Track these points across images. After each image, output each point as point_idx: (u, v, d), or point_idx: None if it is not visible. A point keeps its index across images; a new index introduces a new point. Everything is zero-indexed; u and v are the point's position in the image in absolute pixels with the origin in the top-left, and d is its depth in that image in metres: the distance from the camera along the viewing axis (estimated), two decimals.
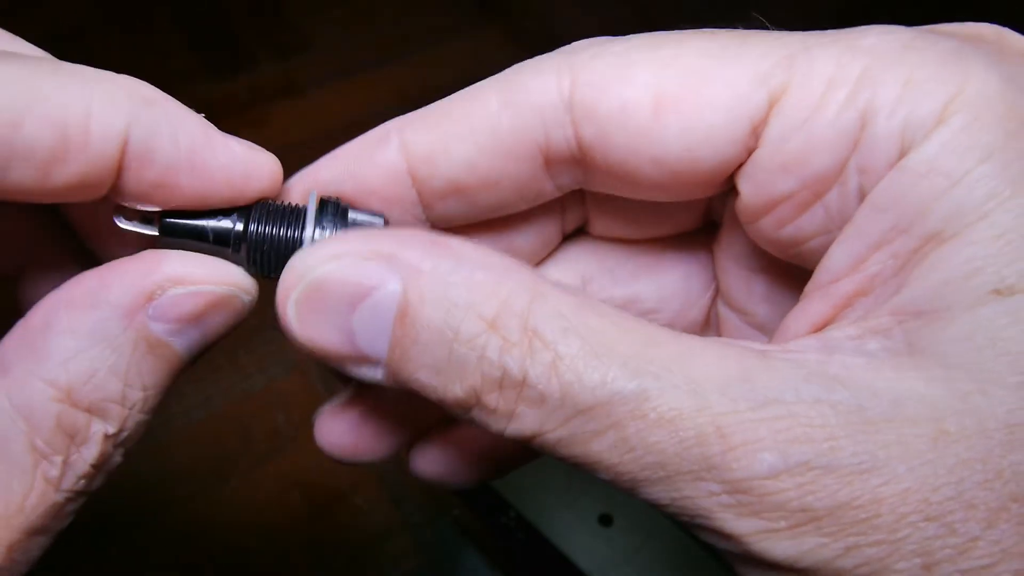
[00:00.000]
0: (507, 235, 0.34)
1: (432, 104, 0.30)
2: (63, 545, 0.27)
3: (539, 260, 0.36)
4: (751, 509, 0.22)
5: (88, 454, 0.26)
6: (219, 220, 0.29)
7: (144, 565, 0.71)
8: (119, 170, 0.27)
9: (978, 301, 0.22)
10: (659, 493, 0.24)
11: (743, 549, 0.23)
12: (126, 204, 0.28)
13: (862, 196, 0.25)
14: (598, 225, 0.35)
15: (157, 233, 0.29)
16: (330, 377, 0.83)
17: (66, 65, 0.27)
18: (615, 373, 0.23)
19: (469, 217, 0.31)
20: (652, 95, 0.26)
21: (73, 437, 0.26)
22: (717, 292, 0.36)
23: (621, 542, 0.69)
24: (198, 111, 0.29)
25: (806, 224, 0.27)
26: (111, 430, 0.26)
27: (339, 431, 0.34)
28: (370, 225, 0.30)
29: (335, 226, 0.29)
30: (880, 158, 0.24)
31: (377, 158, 0.30)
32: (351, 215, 0.30)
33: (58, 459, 0.26)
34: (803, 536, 0.22)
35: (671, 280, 0.36)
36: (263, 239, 0.29)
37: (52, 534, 0.26)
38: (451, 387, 0.24)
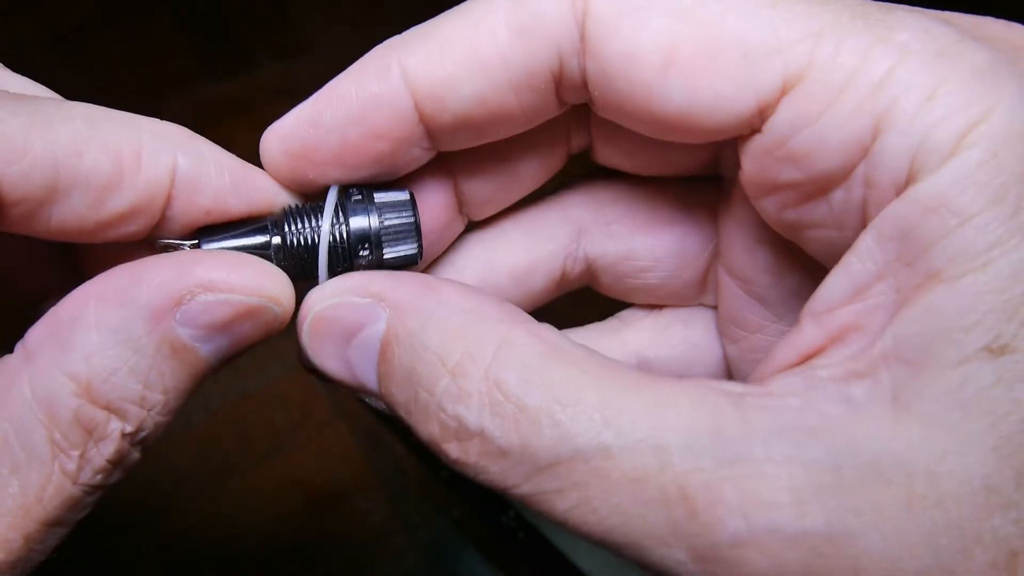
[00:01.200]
0: (511, 160, 0.33)
1: (428, 23, 0.28)
2: (62, 546, 0.27)
3: (543, 182, 0.35)
4: None
5: (105, 450, 0.26)
6: (250, 237, 0.30)
7: (144, 565, 0.71)
8: (168, 199, 0.28)
9: (969, 357, 0.21)
10: (630, 555, 0.22)
11: None
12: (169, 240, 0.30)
13: (865, 207, 0.24)
14: (601, 152, 0.34)
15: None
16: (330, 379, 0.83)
17: (116, 111, 0.28)
18: (576, 428, 0.22)
19: (475, 144, 0.30)
20: (663, 47, 0.24)
21: (91, 432, 0.26)
22: (715, 254, 0.35)
23: None
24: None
25: (809, 213, 0.26)
26: (128, 429, 0.26)
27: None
28: (396, 203, 0.29)
29: (368, 212, 0.29)
30: (888, 175, 0.23)
31: (382, 98, 0.28)
32: (377, 198, 0.29)
33: (75, 453, 0.26)
34: None
35: (667, 238, 0.35)
36: (291, 250, 0.29)
37: (69, 525, 0.26)
38: (421, 430, 0.25)
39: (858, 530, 0.20)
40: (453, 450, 0.24)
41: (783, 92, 0.24)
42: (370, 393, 0.27)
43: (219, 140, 0.33)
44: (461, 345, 0.24)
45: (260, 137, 0.30)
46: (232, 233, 0.29)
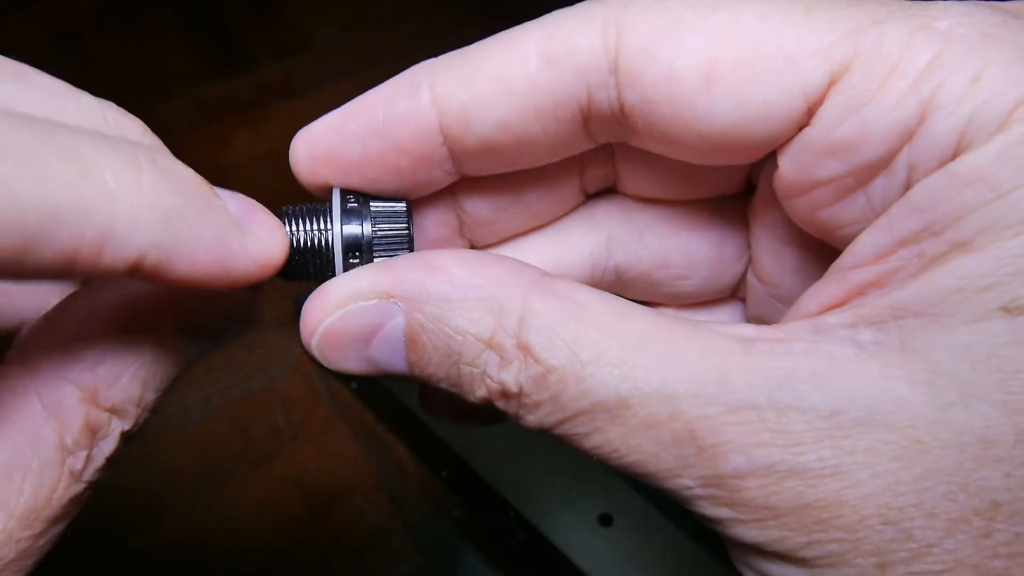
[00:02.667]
0: (515, 191, 0.33)
1: (463, 50, 0.28)
2: (62, 546, 0.28)
3: (554, 219, 0.35)
4: (723, 501, 0.24)
5: (107, 448, 0.27)
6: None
7: (143, 566, 0.71)
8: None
9: (984, 315, 0.22)
10: (648, 482, 0.26)
11: (722, 531, 0.25)
12: None
13: (907, 189, 0.24)
14: (630, 184, 0.34)
15: None
16: (330, 377, 0.83)
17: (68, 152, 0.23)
18: (595, 383, 0.25)
19: (498, 171, 0.30)
20: (704, 64, 0.25)
21: (95, 433, 0.27)
22: (751, 261, 0.34)
23: (621, 542, 0.69)
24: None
25: (843, 210, 0.26)
26: (127, 427, 0.28)
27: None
28: (391, 213, 0.30)
29: (362, 219, 0.29)
30: (933, 156, 0.23)
31: (408, 115, 0.28)
32: (372, 207, 0.30)
33: (83, 454, 0.27)
34: (769, 528, 0.24)
35: (703, 245, 0.34)
36: (295, 256, 0.30)
37: (71, 519, 0.28)
38: (468, 396, 0.27)
39: (848, 467, 0.22)
40: (500, 405, 0.27)
41: (830, 85, 0.24)
42: (399, 377, 0.28)
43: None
44: (490, 319, 0.26)
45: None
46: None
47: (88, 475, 0.27)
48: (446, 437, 0.75)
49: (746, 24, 0.25)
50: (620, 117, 0.27)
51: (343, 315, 0.28)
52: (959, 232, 0.22)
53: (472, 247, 0.34)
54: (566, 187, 0.33)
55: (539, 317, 0.26)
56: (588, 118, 0.28)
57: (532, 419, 0.26)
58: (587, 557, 0.68)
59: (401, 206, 0.30)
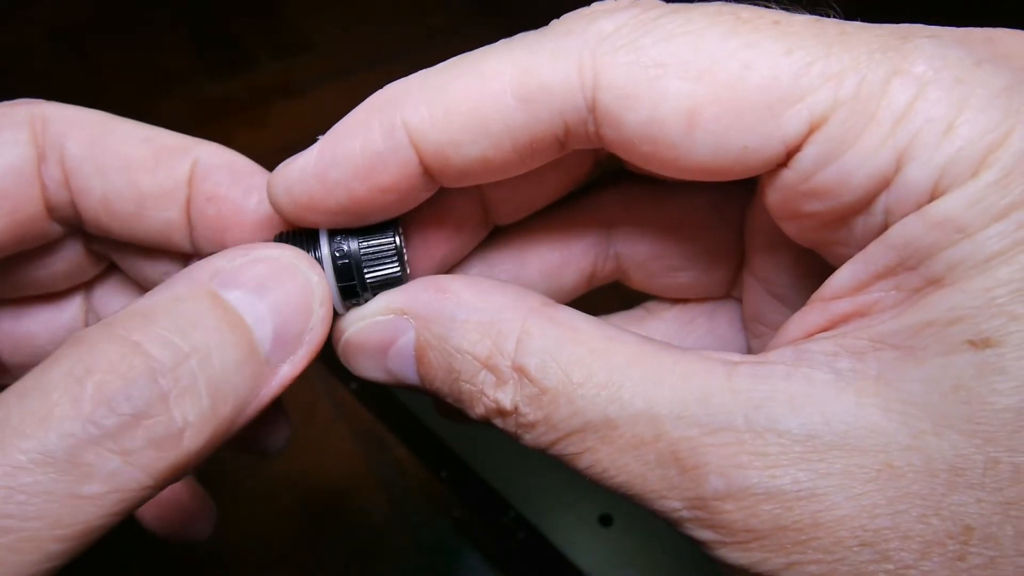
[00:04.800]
0: (543, 175, 0.32)
1: (433, 75, 0.28)
2: None
3: (570, 189, 0.35)
4: (706, 523, 0.25)
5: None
6: None
7: (143, 566, 0.71)
8: (190, 185, 0.32)
9: (952, 348, 0.23)
10: (639, 504, 0.26)
11: (709, 553, 0.26)
12: None
13: (885, 227, 0.25)
14: (631, 164, 0.33)
15: None
16: (330, 377, 0.83)
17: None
18: (586, 405, 0.26)
19: (484, 182, 0.30)
20: (686, 111, 0.25)
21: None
22: (746, 258, 0.35)
23: (621, 542, 0.69)
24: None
25: (829, 235, 0.27)
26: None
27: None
28: (377, 228, 0.30)
29: (347, 238, 0.30)
30: (909, 202, 0.24)
31: (388, 157, 0.28)
32: (361, 246, 0.31)
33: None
34: (750, 550, 0.24)
35: (699, 240, 0.35)
36: None
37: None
38: (470, 412, 0.29)
39: (823, 490, 0.23)
40: (499, 423, 0.28)
41: (809, 132, 0.25)
42: (415, 389, 0.30)
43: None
44: (488, 341, 0.28)
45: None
46: None
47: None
48: (446, 437, 0.75)
49: (729, 69, 0.25)
50: (599, 144, 0.28)
51: (363, 327, 0.30)
52: (931, 269, 0.23)
53: (496, 225, 0.35)
54: (582, 161, 0.34)
55: (534, 340, 0.27)
56: (567, 143, 0.28)
57: (529, 438, 0.28)
58: (587, 557, 0.68)
59: (390, 236, 0.31)
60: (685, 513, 0.25)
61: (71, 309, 0.38)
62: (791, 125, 0.25)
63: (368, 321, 0.30)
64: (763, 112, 0.25)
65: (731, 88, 0.25)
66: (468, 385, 0.28)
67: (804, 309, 0.27)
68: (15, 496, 0.23)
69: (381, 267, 0.30)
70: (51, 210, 0.33)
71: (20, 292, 0.36)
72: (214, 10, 1.20)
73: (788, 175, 0.26)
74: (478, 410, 0.28)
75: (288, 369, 0.29)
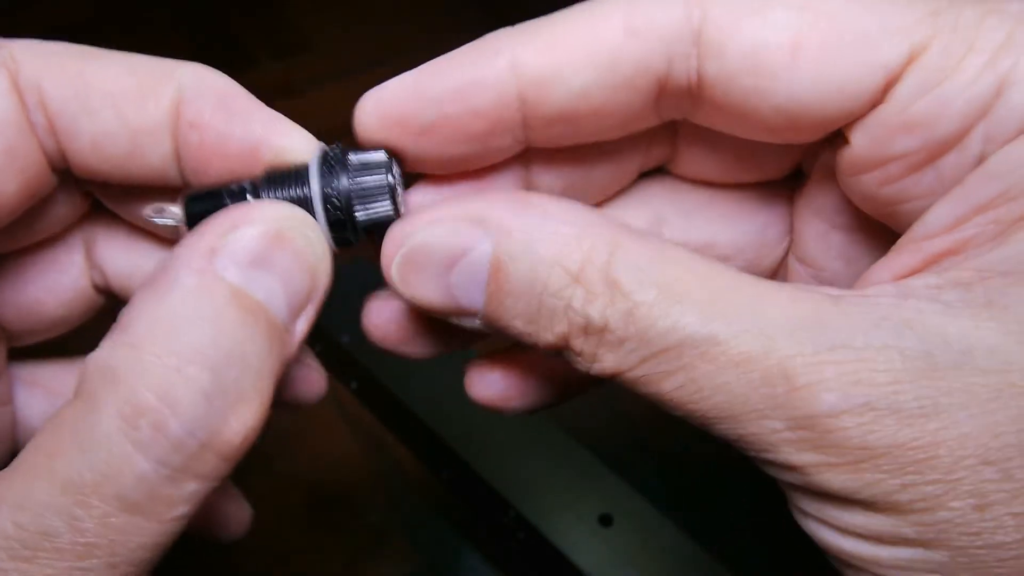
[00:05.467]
0: (585, 166, 0.33)
1: (542, 19, 0.28)
2: None
3: (611, 196, 0.35)
4: (812, 444, 0.23)
5: None
6: (235, 189, 0.30)
7: None
8: (178, 115, 0.30)
9: None
10: (727, 430, 0.25)
11: (804, 480, 0.24)
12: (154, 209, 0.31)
13: (979, 163, 0.25)
14: (683, 164, 0.34)
15: (184, 222, 0.30)
16: (330, 378, 0.83)
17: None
18: (687, 320, 0.24)
19: (564, 144, 0.31)
20: (790, 38, 0.25)
21: None
22: (791, 245, 0.35)
23: (621, 542, 0.69)
24: None
25: (912, 185, 0.27)
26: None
27: (487, 384, 0.35)
28: (370, 164, 0.30)
29: (338, 175, 0.29)
30: (1009, 128, 0.24)
31: (488, 78, 0.28)
32: (351, 157, 0.30)
33: None
34: (862, 472, 0.23)
35: (748, 228, 0.35)
36: None
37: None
38: (543, 334, 0.27)
39: (945, 407, 0.22)
40: (579, 344, 0.26)
41: (909, 61, 0.25)
42: (467, 314, 0.28)
43: None
44: (578, 253, 0.26)
45: None
46: (217, 199, 0.30)
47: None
48: (446, 437, 0.75)
49: (831, 3, 0.26)
50: (696, 90, 0.28)
51: (433, 232, 0.28)
52: None
53: None
54: (630, 163, 0.34)
55: (629, 255, 0.26)
56: (663, 91, 0.28)
57: (611, 359, 0.26)
58: (587, 557, 0.68)
59: (380, 155, 0.30)
60: (787, 434, 0.24)
61: (73, 271, 0.36)
62: (892, 53, 0.25)
63: (439, 226, 0.28)
64: (863, 40, 0.25)
65: (831, 18, 0.25)
66: (553, 299, 0.26)
67: (891, 253, 0.27)
68: (107, 535, 0.25)
69: (372, 205, 0.30)
70: (49, 160, 0.31)
71: (14, 245, 0.34)
72: (214, 10, 1.20)
73: (884, 111, 0.26)
74: (558, 328, 0.26)
75: (303, 325, 0.29)
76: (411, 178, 0.32)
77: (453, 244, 0.27)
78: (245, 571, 0.72)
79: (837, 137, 0.28)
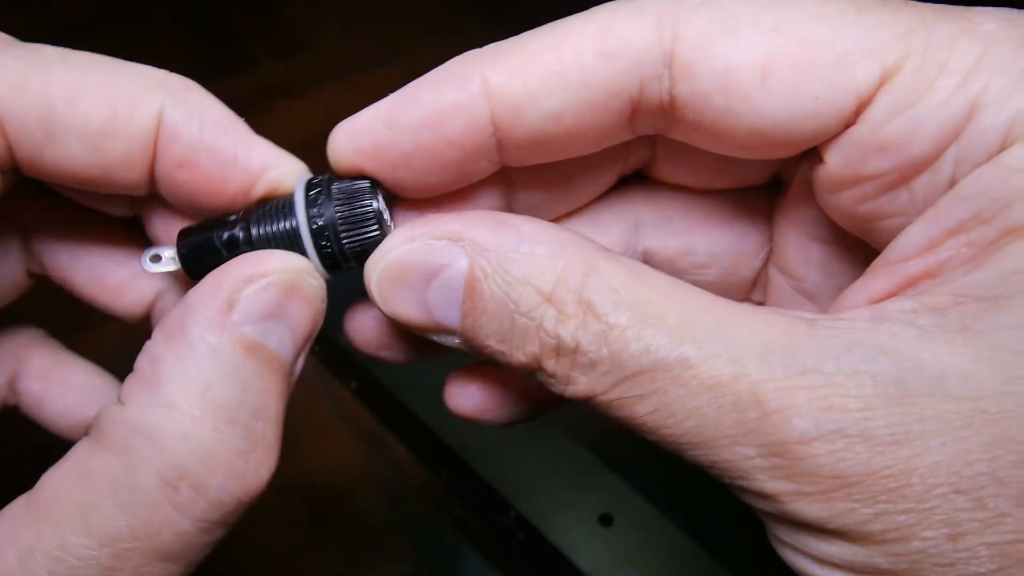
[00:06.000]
0: (565, 176, 0.33)
1: (513, 40, 0.28)
2: None
3: (591, 200, 0.35)
4: (784, 472, 0.23)
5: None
6: (227, 228, 0.31)
7: None
8: (155, 148, 0.29)
9: None
10: (701, 456, 0.25)
11: (778, 509, 0.24)
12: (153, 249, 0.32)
13: (951, 185, 0.25)
14: (663, 171, 0.34)
15: (180, 265, 0.31)
16: (330, 377, 0.83)
17: (118, 60, 0.30)
18: (660, 342, 0.24)
19: (539, 162, 0.31)
20: (760, 60, 0.25)
21: None
22: (769, 255, 0.35)
23: (621, 542, 0.69)
24: None
25: (886, 204, 0.27)
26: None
27: (466, 396, 0.35)
28: (354, 191, 0.30)
29: (324, 206, 0.30)
30: (981, 151, 0.24)
31: (461, 106, 0.28)
32: (334, 187, 0.30)
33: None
34: (833, 500, 0.23)
35: (726, 237, 0.35)
36: (266, 241, 0.30)
37: (184, 562, 0.28)
38: (516, 353, 0.27)
39: (917, 434, 0.22)
40: (551, 365, 0.26)
41: (882, 83, 0.25)
42: (445, 331, 0.28)
43: None
44: (551, 274, 0.26)
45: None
46: (210, 242, 0.31)
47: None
48: (446, 437, 0.75)
49: (801, 23, 0.25)
50: (669, 110, 0.28)
51: (410, 249, 0.28)
52: (1009, 218, 0.23)
53: None
54: (609, 171, 0.34)
55: (604, 276, 0.26)
56: (636, 111, 0.28)
57: (584, 382, 0.26)
58: (587, 557, 0.68)
59: (364, 184, 0.30)
60: (759, 461, 0.23)
61: (9, 259, 0.36)
62: (864, 75, 0.25)
63: (418, 243, 0.28)
64: (834, 62, 0.25)
65: (803, 40, 0.25)
66: (525, 319, 0.26)
67: (866, 276, 0.27)
68: None
69: (360, 233, 0.30)
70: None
71: None
72: (214, 10, 1.20)
73: (856, 131, 0.26)
74: (529, 348, 0.26)
75: (301, 362, 0.30)
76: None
77: (429, 261, 0.28)
78: (245, 571, 0.72)
79: (813, 153, 0.28)
